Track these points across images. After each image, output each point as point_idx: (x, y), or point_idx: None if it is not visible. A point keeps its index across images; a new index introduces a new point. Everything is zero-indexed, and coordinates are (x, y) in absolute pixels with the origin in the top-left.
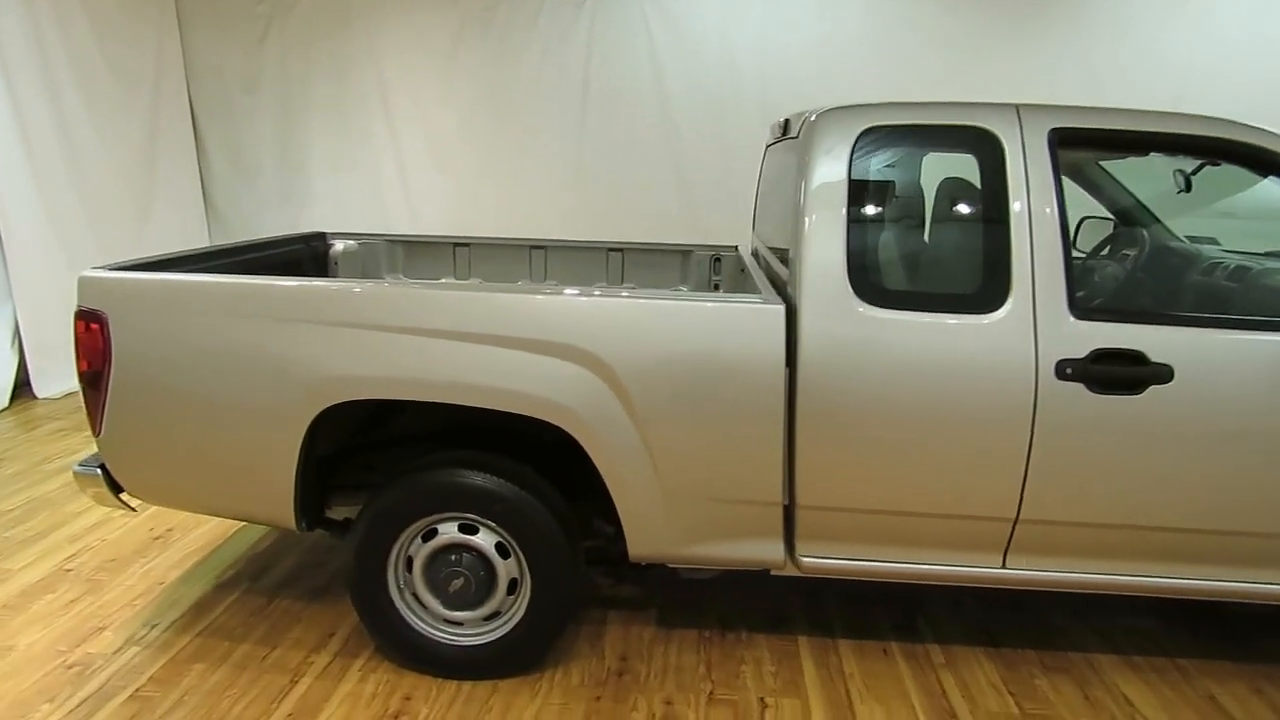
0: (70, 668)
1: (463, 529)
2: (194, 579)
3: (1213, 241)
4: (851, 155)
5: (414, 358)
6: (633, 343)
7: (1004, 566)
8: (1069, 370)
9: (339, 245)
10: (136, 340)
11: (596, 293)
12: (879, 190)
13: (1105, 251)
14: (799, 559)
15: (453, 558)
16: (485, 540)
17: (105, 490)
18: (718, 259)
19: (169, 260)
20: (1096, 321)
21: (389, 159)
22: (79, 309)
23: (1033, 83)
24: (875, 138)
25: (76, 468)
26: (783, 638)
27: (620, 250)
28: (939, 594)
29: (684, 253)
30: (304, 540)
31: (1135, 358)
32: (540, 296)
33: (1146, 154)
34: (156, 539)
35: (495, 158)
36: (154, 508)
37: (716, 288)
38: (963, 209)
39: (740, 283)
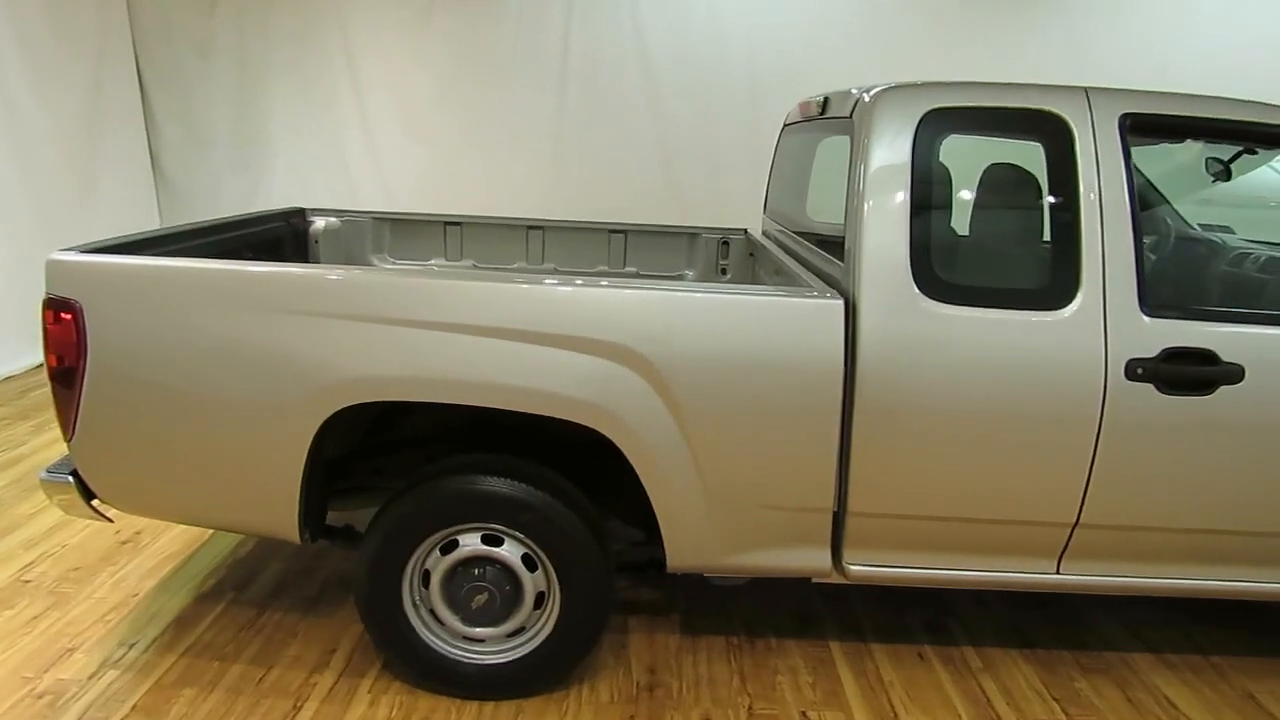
0: (40, 697)
1: (486, 540)
2: (172, 589)
3: (1228, 230)
4: (915, 139)
5: (440, 356)
6: (679, 339)
7: (1058, 572)
8: (1140, 370)
9: (319, 222)
10: (117, 333)
11: (637, 284)
12: (943, 178)
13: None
14: (846, 567)
15: (476, 571)
16: (511, 552)
17: (77, 498)
18: (725, 242)
19: (141, 241)
20: (1167, 319)
21: (356, 127)
22: (48, 297)
23: (1019, 66)
24: (938, 121)
25: (43, 475)
26: (814, 643)
27: (623, 232)
28: (964, 592)
29: (690, 235)
30: (286, 544)
31: (1207, 357)
32: (578, 289)
33: (1222, 142)
34: (125, 544)
35: (471, 128)
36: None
37: (724, 272)
38: (1029, 198)
39: (749, 267)
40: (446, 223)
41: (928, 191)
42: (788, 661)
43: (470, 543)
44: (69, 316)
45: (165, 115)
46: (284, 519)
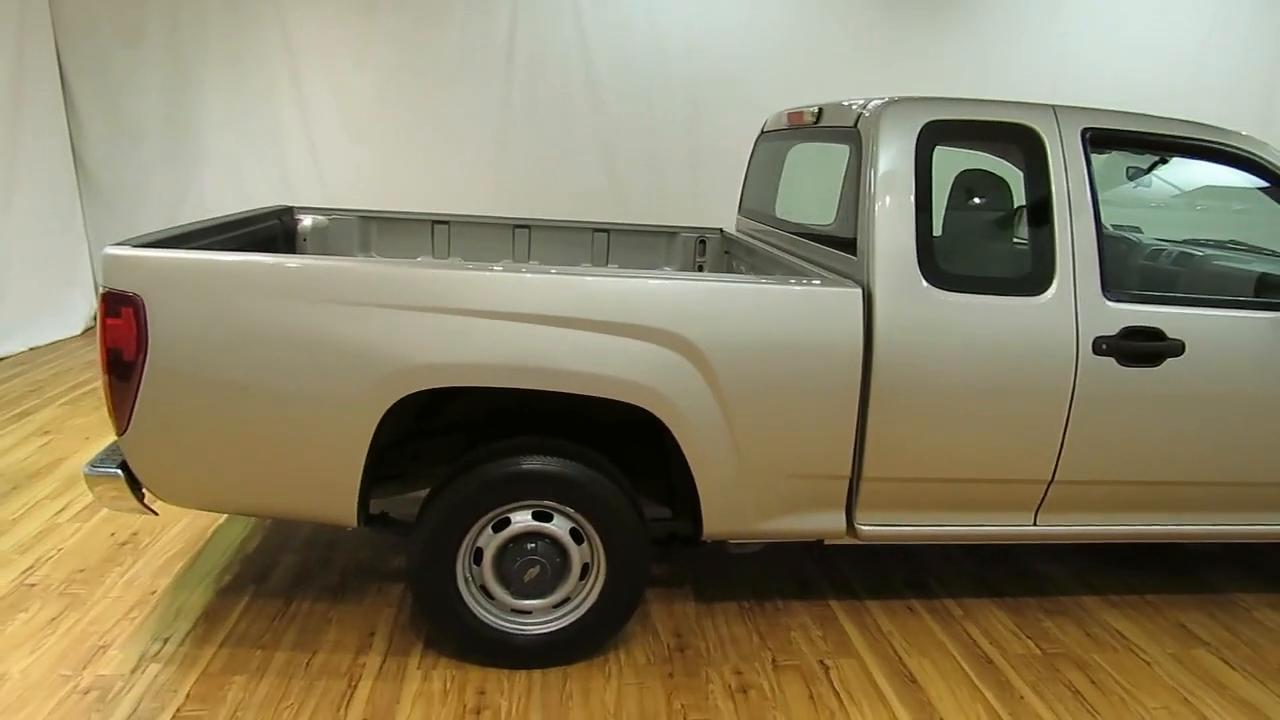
0: (86, 693)
1: (536, 516)
2: (189, 585)
3: (1138, 229)
4: (916, 147)
5: (504, 343)
6: (721, 325)
7: (1034, 524)
8: (1104, 346)
9: (307, 220)
10: (180, 327)
11: (685, 276)
12: (947, 180)
13: None
14: (858, 528)
15: (529, 546)
16: (560, 526)
17: (126, 492)
18: (702, 241)
19: (162, 241)
20: (1124, 303)
21: (295, 123)
22: (107, 290)
23: (931, 72)
24: (935, 131)
25: (88, 469)
26: (815, 603)
27: (606, 231)
28: (936, 552)
29: (669, 234)
30: (295, 536)
31: (1156, 334)
32: (632, 280)
33: (1164, 155)
34: (124, 544)
35: (415, 126)
36: (101, 511)
37: (700, 269)
38: (1008, 200)
39: (724, 264)
40: (434, 221)
41: (928, 194)
42: (797, 620)
43: (522, 519)
44: (129, 310)
45: (88, 107)
46: (343, 505)
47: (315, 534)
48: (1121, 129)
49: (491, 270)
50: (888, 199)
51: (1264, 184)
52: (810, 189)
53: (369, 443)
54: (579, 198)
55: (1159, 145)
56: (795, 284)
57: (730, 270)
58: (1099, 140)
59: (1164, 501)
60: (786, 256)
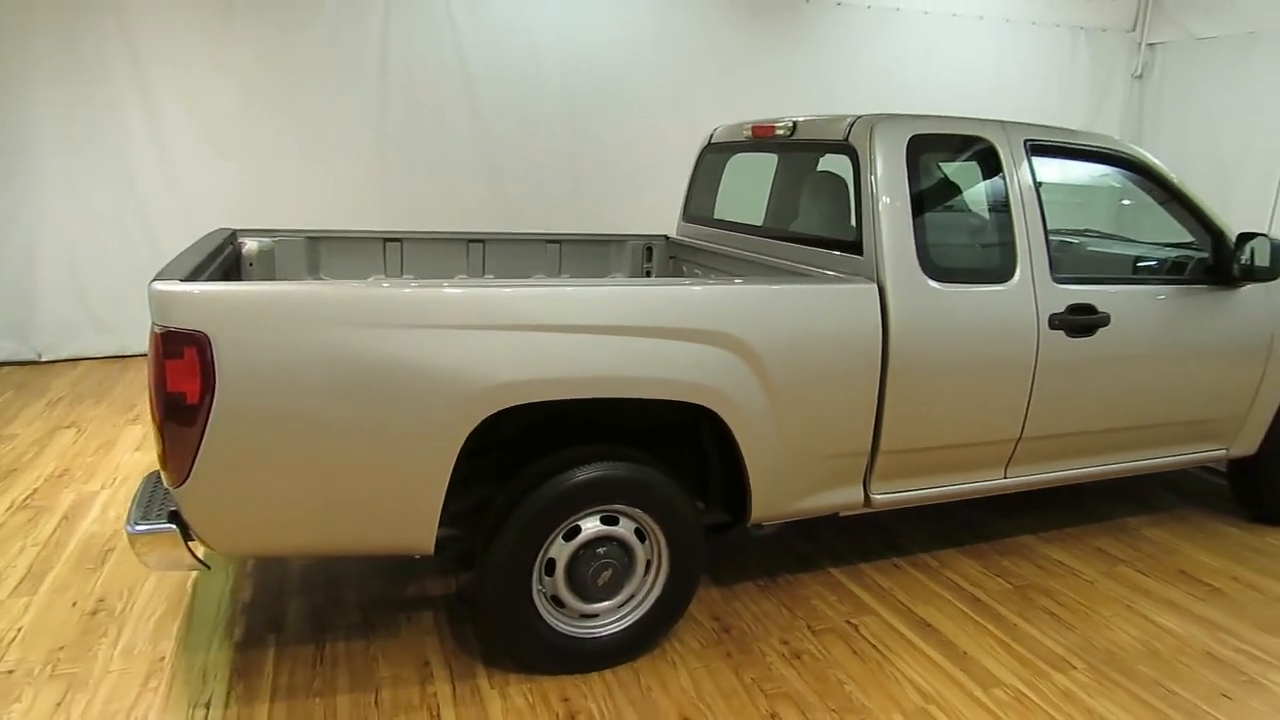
0: None
1: (604, 521)
2: (200, 645)
3: None
4: (906, 158)
5: (576, 355)
6: (769, 324)
7: (1005, 477)
8: (1056, 321)
9: (251, 244)
10: (251, 364)
11: (738, 281)
12: (928, 186)
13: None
14: (872, 498)
15: (600, 550)
16: (625, 528)
17: (182, 548)
18: (649, 248)
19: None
20: (1067, 284)
21: (144, 138)
22: (166, 330)
23: (786, 85)
24: (918, 143)
25: (134, 528)
26: (818, 573)
27: (557, 242)
28: (899, 515)
29: (619, 242)
30: (289, 579)
31: (1090, 309)
32: (691, 288)
33: (1086, 161)
34: (94, 614)
35: (286, 138)
36: (47, 580)
37: (648, 274)
38: (980, 201)
39: (671, 268)
40: (386, 239)
41: (920, 198)
42: (810, 589)
43: (592, 525)
44: (193, 350)
45: None
46: (422, 533)
47: (310, 574)
48: (1050, 140)
49: (565, 286)
50: (890, 204)
51: (1142, 180)
52: (789, 196)
53: (451, 467)
54: (464, 209)
55: (1076, 153)
56: (823, 283)
57: (678, 274)
58: (1036, 149)
59: (1100, 446)
60: (755, 258)
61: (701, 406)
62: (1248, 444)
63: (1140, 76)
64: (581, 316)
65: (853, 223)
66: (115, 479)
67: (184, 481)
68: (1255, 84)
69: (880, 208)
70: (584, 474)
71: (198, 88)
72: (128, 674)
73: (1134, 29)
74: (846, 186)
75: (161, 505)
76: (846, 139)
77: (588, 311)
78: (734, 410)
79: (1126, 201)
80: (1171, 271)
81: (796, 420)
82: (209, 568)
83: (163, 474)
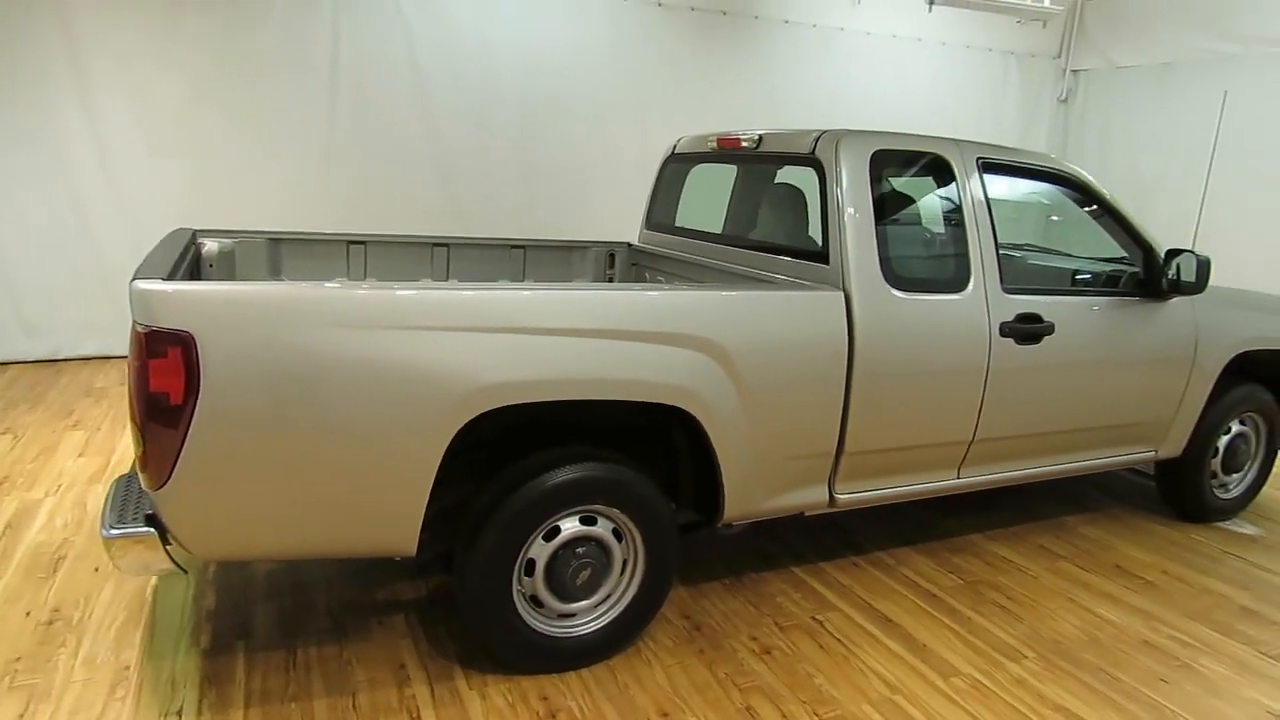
0: None
1: (583, 520)
2: (165, 653)
3: None
4: (869, 172)
5: (563, 358)
6: (743, 328)
7: (958, 477)
8: (1006, 329)
9: (211, 245)
10: (237, 365)
11: (717, 287)
12: (889, 199)
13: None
14: (836, 498)
15: (579, 550)
16: (604, 527)
17: (161, 552)
18: (611, 254)
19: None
20: (1015, 294)
21: (84, 138)
22: (151, 330)
23: (735, 96)
24: (880, 158)
25: (110, 531)
26: (781, 571)
27: (521, 248)
28: (856, 514)
29: (581, 249)
30: (253, 584)
31: (1037, 318)
32: (673, 293)
33: (1029, 179)
34: (50, 624)
35: (232, 137)
36: None
37: (610, 280)
38: (937, 214)
39: (633, 275)
40: (350, 242)
41: (881, 211)
42: (775, 587)
43: (571, 525)
44: (177, 350)
45: None
46: (406, 534)
47: (275, 579)
48: (999, 159)
49: (552, 289)
50: (855, 215)
51: (1080, 197)
52: (753, 206)
53: (437, 467)
54: (415, 214)
55: (1022, 171)
56: (793, 290)
57: (641, 280)
58: (987, 167)
59: (1043, 448)
60: (720, 266)
61: (676, 408)
62: (1174, 446)
63: (1065, 101)
64: (567, 319)
65: (816, 233)
66: (59, 486)
67: (164, 484)
68: (1171, 110)
69: (846, 219)
70: (565, 474)
71: (141, 84)
72: (92, 684)
73: (1060, 56)
74: (809, 198)
75: (136, 508)
76: (813, 152)
77: (574, 314)
78: (708, 412)
79: (1055, 217)
80: (1106, 284)
81: (767, 422)
82: (185, 571)
83: (141, 476)
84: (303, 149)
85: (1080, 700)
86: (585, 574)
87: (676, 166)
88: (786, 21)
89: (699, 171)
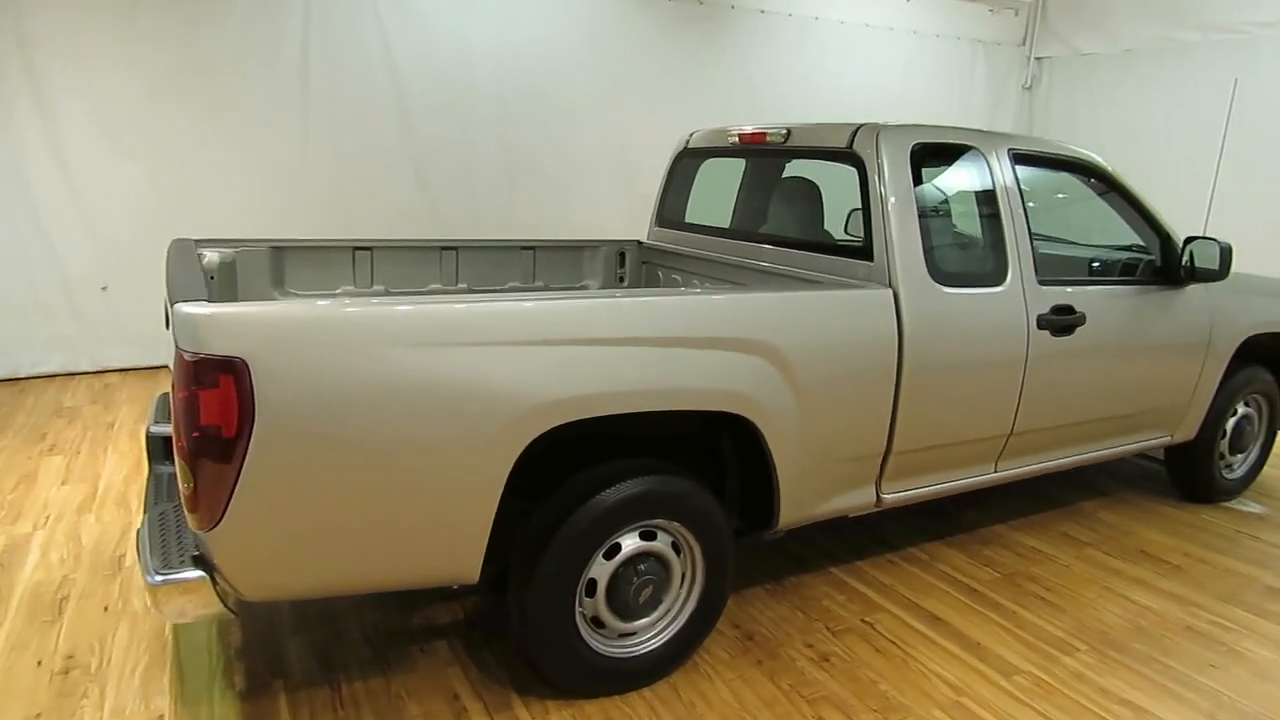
0: None
1: (642, 536)
2: (200, 699)
3: None
4: (911, 167)
5: (626, 368)
6: (798, 330)
7: (995, 470)
8: (1043, 321)
9: (211, 255)
10: (295, 391)
11: (771, 288)
12: (928, 193)
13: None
14: (883, 498)
15: (640, 567)
16: (663, 542)
17: (213, 597)
18: (622, 253)
19: None
20: (1049, 286)
21: (39, 141)
22: (199, 358)
23: (711, 89)
24: (920, 153)
25: (158, 579)
26: (821, 573)
27: (532, 249)
28: (880, 513)
29: (592, 248)
30: (277, 619)
31: (1070, 310)
32: (729, 298)
33: (1053, 169)
34: (67, 673)
35: (201, 141)
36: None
37: (621, 280)
38: (974, 207)
39: (643, 273)
40: (356, 248)
41: (922, 205)
42: (818, 590)
43: (632, 542)
44: (229, 379)
45: None
46: (469, 561)
47: (301, 611)
48: (1027, 149)
49: (618, 298)
50: (899, 210)
51: (1104, 188)
52: (781, 202)
53: (502, 488)
54: (393, 216)
55: (1050, 161)
56: (845, 290)
57: (653, 279)
58: (1019, 158)
59: (1074, 438)
60: (747, 264)
61: (727, 414)
62: (1189, 430)
63: (1030, 88)
64: (632, 329)
65: (830, 227)
66: (48, 518)
67: (217, 523)
68: (1132, 96)
69: (890, 213)
70: (628, 489)
71: (100, 85)
72: None
73: (1024, 44)
74: (843, 193)
75: (179, 548)
76: (851, 146)
77: (638, 324)
78: (766, 417)
79: (1069, 205)
80: (1125, 273)
81: (820, 425)
82: (236, 614)
83: (189, 516)
84: (275, 150)
85: (1141, 692)
86: (647, 591)
87: (688, 162)
88: (762, 11)
89: (708, 167)
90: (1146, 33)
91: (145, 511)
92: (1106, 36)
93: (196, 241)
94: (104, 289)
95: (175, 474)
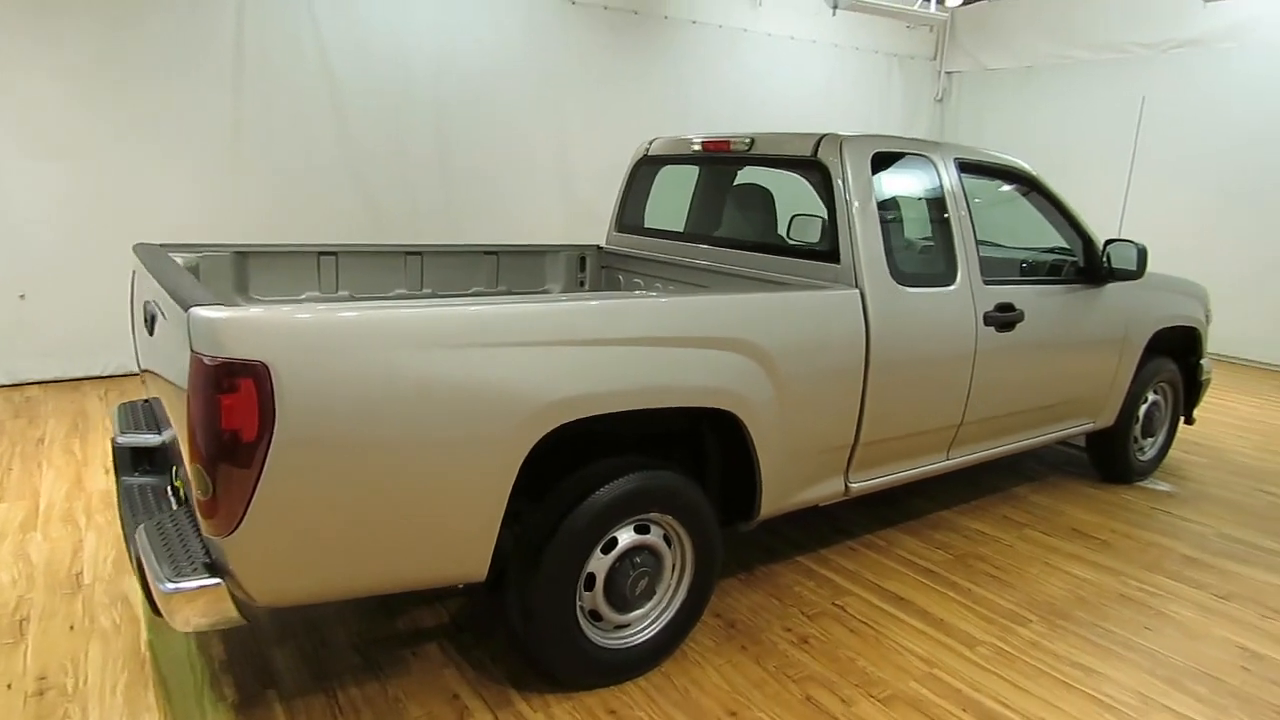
0: None
1: (637, 530)
2: (190, 714)
3: None
4: (872, 174)
5: (628, 367)
6: (780, 329)
7: (948, 458)
8: (988, 319)
9: (176, 259)
10: (316, 395)
11: (757, 289)
12: (886, 199)
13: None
14: (850, 486)
15: (636, 560)
16: (655, 535)
17: (229, 604)
18: (582, 258)
19: None
20: (993, 286)
21: None
22: (221, 362)
23: (647, 97)
24: (879, 161)
25: (170, 587)
26: (789, 562)
27: (495, 254)
28: (839, 503)
29: (553, 253)
30: (260, 628)
31: (1011, 308)
32: (722, 297)
33: (990, 177)
34: (41, 694)
35: (124, 142)
36: None
37: (582, 284)
38: (926, 212)
39: (603, 277)
40: (320, 253)
41: (884, 211)
42: (788, 578)
43: (628, 536)
44: (249, 382)
45: None
46: (479, 559)
47: (282, 618)
48: (969, 158)
49: (622, 299)
50: (863, 215)
51: (1031, 193)
52: (725, 208)
53: (511, 486)
54: (326, 218)
55: (988, 169)
56: (819, 290)
57: (613, 283)
58: (964, 167)
59: (1016, 425)
60: (711, 267)
61: (714, 411)
62: (1109, 416)
63: (941, 100)
64: (635, 330)
65: (784, 230)
66: None
67: (235, 529)
68: (1033, 109)
69: (855, 218)
70: (626, 485)
71: (19, 81)
72: None
73: (935, 58)
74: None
75: (187, 555)
76: (815, 155)
77: (641, 324)
78: (751, 413)
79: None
80: (1053, 273)
81: (798, 418)
82: (249, 622)
83: (204, 523)
84: (205, 152)
85: (1089, 655)
86: (643, 583)
87: (648, 168)
88: (694, 22)
89: (665, 174)
90: (1045, 50)
91: (123, 525)
92: (1010, 53)
93: (160, 247)
94: (21, 297)
95: (148, 486)
